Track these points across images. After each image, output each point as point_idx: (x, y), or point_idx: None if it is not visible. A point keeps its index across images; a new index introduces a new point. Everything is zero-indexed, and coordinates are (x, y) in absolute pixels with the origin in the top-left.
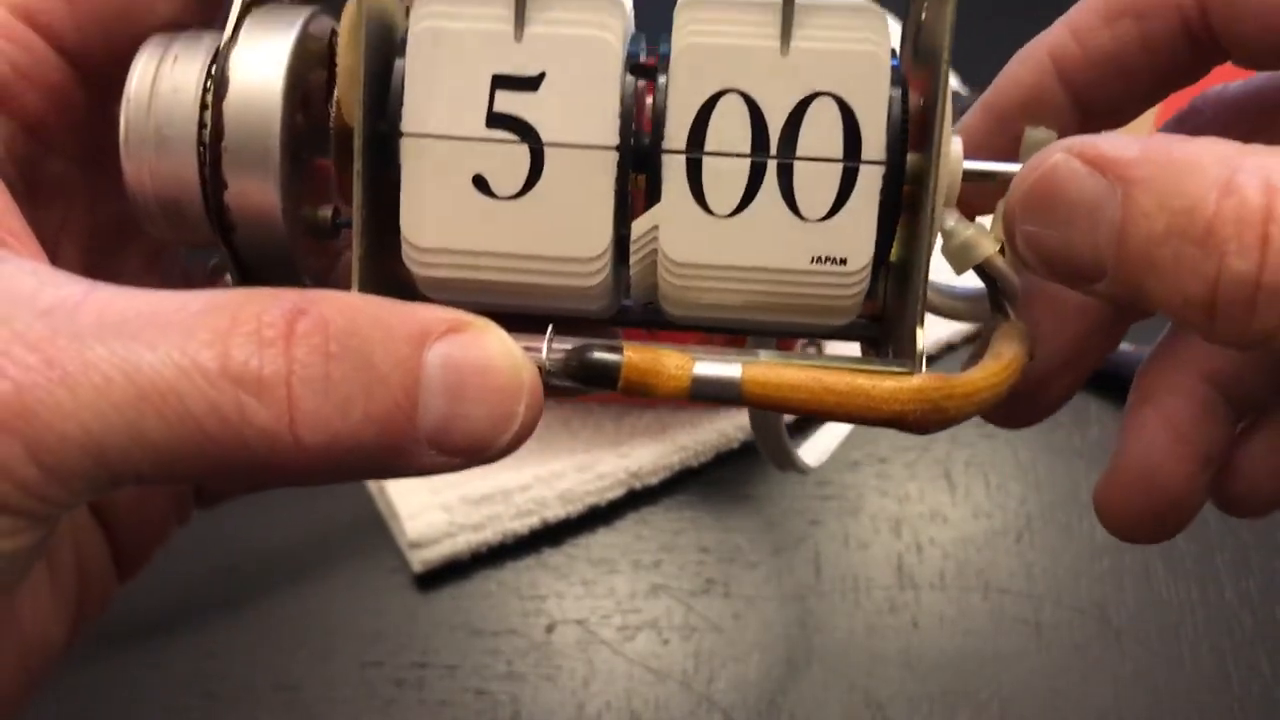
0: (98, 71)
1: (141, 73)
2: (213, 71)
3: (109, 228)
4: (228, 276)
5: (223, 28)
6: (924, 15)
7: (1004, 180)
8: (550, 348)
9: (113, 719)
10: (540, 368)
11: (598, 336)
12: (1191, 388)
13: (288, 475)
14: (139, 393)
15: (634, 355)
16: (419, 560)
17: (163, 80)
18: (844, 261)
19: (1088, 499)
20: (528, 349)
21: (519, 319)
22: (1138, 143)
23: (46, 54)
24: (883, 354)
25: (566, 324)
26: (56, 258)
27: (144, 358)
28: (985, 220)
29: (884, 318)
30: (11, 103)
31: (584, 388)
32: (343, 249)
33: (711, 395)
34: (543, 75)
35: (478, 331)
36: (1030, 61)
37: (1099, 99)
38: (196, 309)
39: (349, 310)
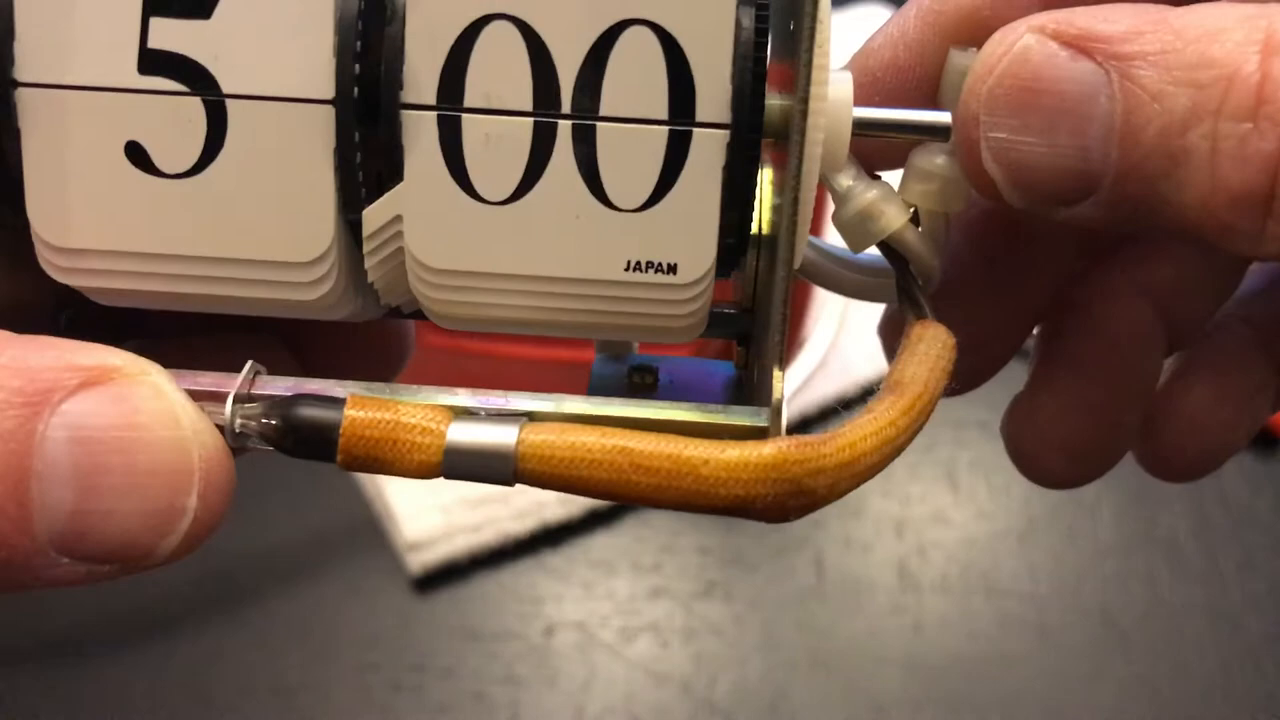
0: None
1: None
2: None
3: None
4: None
5: None
6: None
7: (917, 129)
8: (241, 399)
9: None
10: (224, 430)
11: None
12: (1128, 302)
13: None
14: None
15: (359, 415)
16: (416, 562)
17: None
18: (673, 269)
19: (1092, 501)
20: (208, 397)
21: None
22: (1125, 11)
23: None
24: (755, 354)
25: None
26: None
27: None
28: (892, 177)
29: (757, 308)
30: None
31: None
32: None
33: (472, 472)
34: None
35: (127, 382)
36: None
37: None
38: None
39: None
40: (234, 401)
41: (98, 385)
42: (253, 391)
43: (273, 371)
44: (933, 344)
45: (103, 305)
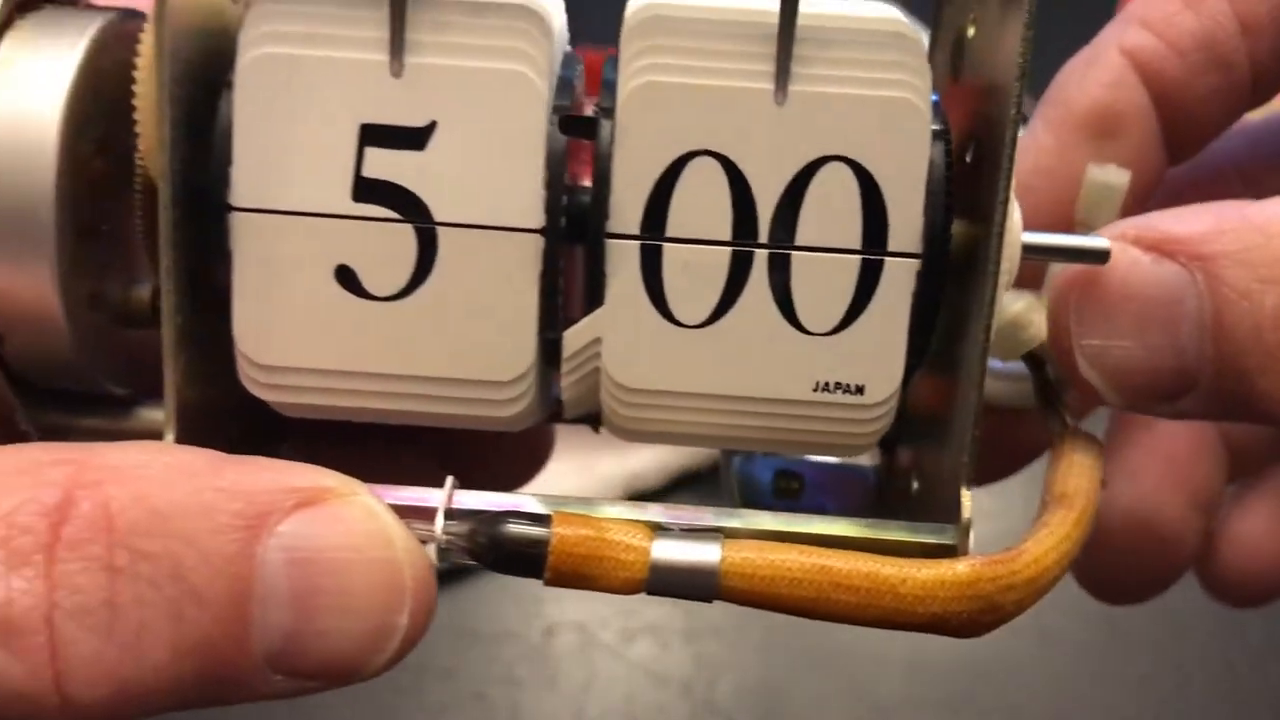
0: None
1: None
2: None
3: None
4: None
5: None
6: (971, 31)
7: (1078, 255)
8: (448, 517)
9: None
10: (430, 544)
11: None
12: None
13: None
14: None
15: (567, 533)
16: None
17: None
18: (860, 390)
19: None
20: (412, 513)
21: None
22: (1204, 211)
23: None
24: (919, 465)
25: None
26: None
27: None
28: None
29: (910, 414)
30: None
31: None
32: None
33: (675, 589)
34: (433, 126)
35: (340, 503)
36: (1100, 63)
37: (1191, 100)
38: None
39: (147, 489)
40: (442, 514)
41: (312, 506)
42: (450, 506)
43: (417, 470)
44: (1087, 454)
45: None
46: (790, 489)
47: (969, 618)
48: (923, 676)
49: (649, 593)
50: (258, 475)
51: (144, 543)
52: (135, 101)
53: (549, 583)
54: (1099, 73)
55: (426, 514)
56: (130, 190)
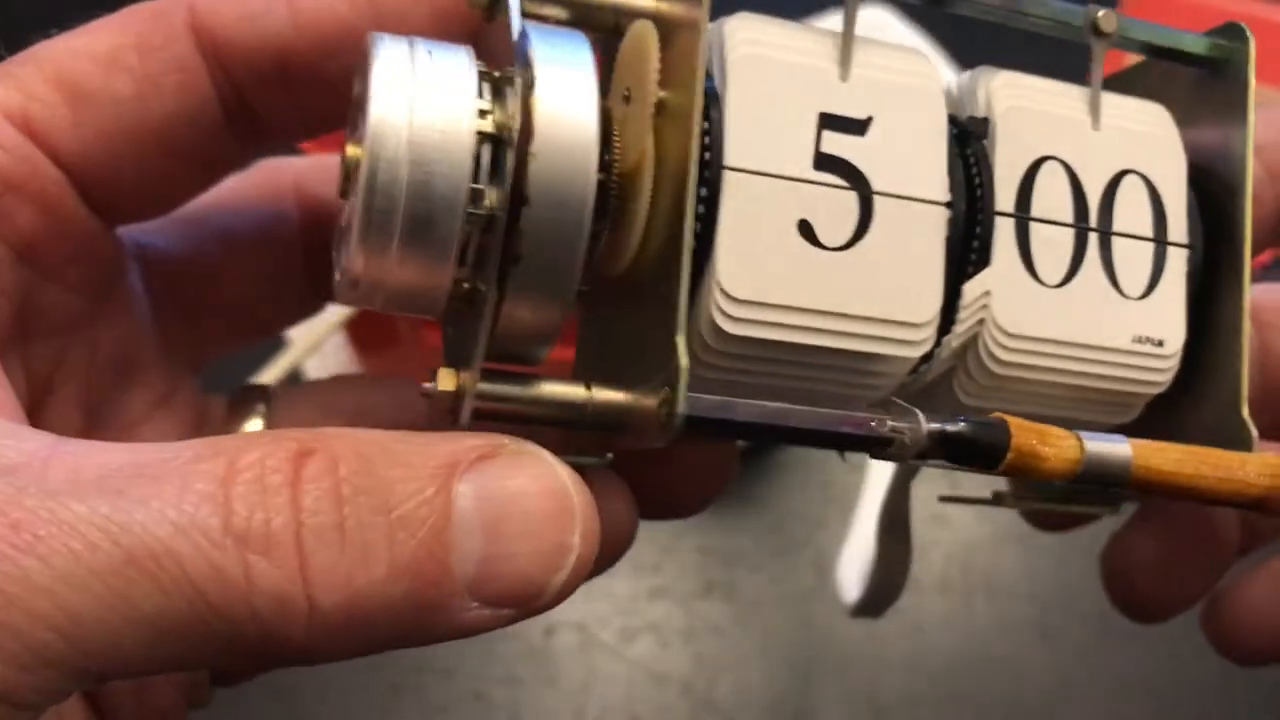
0: (104, 188)
1: (386, 92)
2: (503, 116)
3: (112, 364)
4: (255, 421)
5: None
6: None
7: None
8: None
9: None
10: (912, 442)
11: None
12: None
13: (301, 650)
14: (126, 556)
15: (1023, 434)
16: None
17: (422, 114)
18: (1161, 343)
19: None
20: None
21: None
22: None
23: (44, 166)
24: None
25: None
26: (50, 400)
27: (133, 516)
28: None
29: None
30: (1, 222)
31: (953, 465)
32: None
33: (1097, 476)
34: (870, 119)
35: (514, 454)
36: None
37: None
38: (189, 457)
39: (362, 447)
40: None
41: (493, 456)
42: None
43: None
44: None
45: None
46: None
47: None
48: (923, 676)
49: (1077, 480)
50: (447, 438)
51: (362, 482)
52: (654, 98)
53: (1002, 471)
54: None
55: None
56: None
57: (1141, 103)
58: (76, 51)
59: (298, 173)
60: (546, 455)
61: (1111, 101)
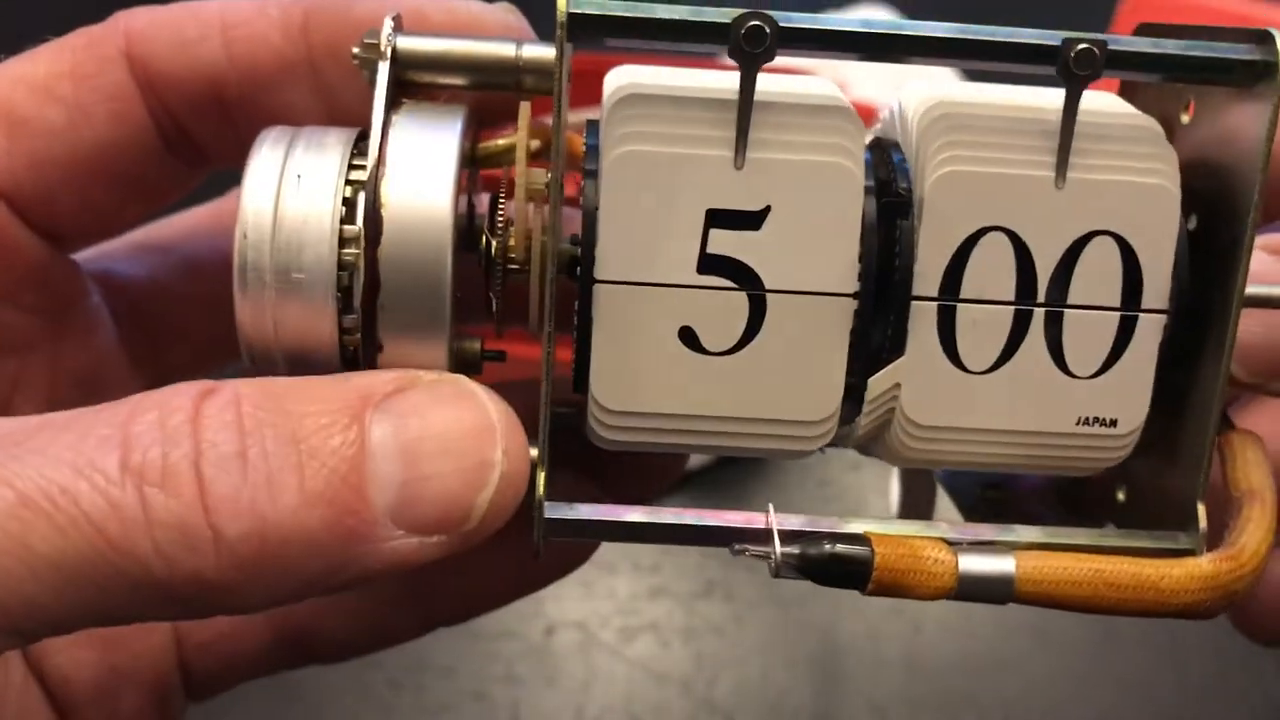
0: (42, 214)
1: (258, 186)
2: (355, 198)
3: (77, 382)
4: None
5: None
6: (1186, 118)
7: None
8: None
9: None
10: (772, 563)
11: None
12: None
13: (219, 588)
14: (19, 498)
15: (887, 552)
16: None
17: (288, 201)
18: (1114, 423)
19: None
20: (743, 534)
21: None
22: None
23: None
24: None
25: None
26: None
27: (28, 462)
28: None
29: None
30: None
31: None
32: None
33: (976, 594)
34: (767, 210)
35: (431, 383)
36: None
37: None
38: (95, 408)
39: (271, 386)
40: (776, 538)
41: (408, 389)
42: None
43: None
44: (1256, 451)
45: None
46: (997, 498)
47: (1211, 605)
48: (922, 676)
49: (955, 599)
50: (362, 375)
51: (267, 415)
52: (513, 186)
53: (869, 593)
54: None
55: (754, 535)
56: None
57: (1132, 125)
58: (14, 79)
59: None
60: (464, 380)
61: (1094, 147)
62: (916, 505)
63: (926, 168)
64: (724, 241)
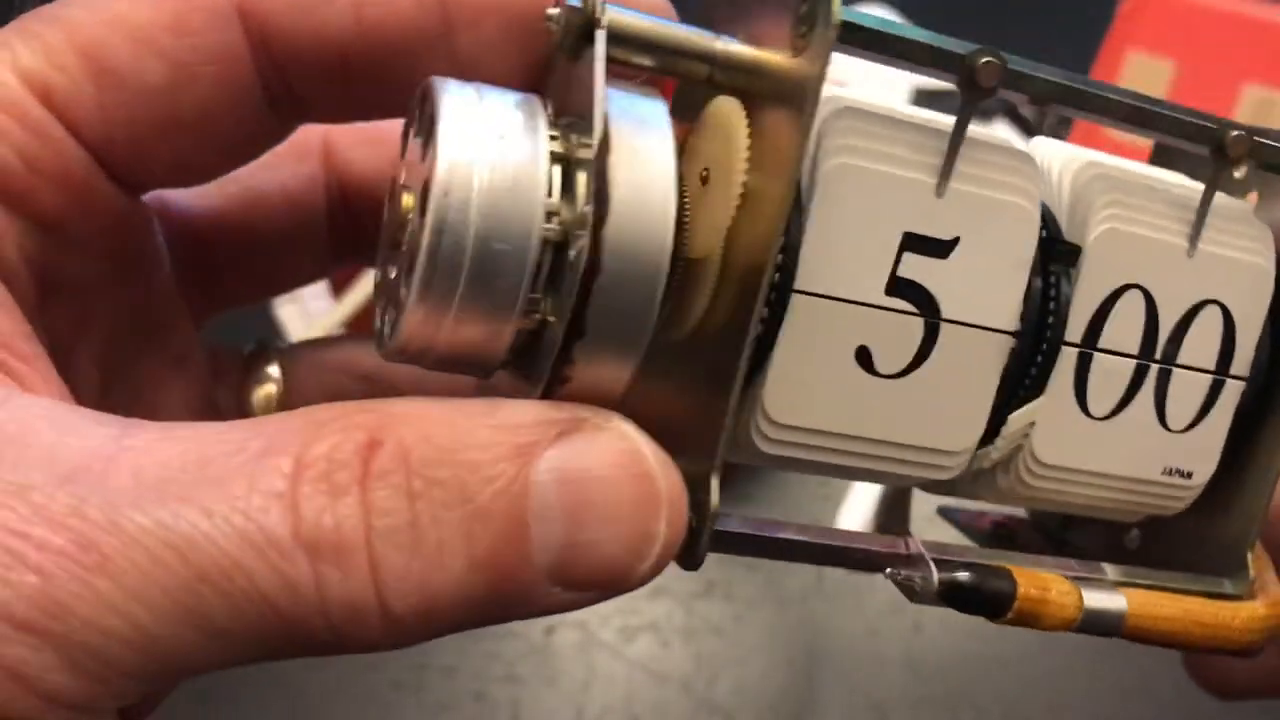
0: (131, 169)
1: (460, 140)
2: (570, 172)
3: (130, 329)
4: (269, 385)
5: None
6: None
7: None
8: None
9: None
10: (918, 588)
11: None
12: None
13: (376, 645)
14: (197, 573)
15: (1028, 588)
16: None
17: (494, 162)
18: (1189, 475)
19: None
20: (898, 559)
21: None
22: None
23: (68, 145)
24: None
25: None
26: (70, 364)
27: (199, 527)
28: None
29: None
30: (22, 199)
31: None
32: None
33: (1093, 629)
34: (956, 241)
35: (595, 430)
36: None
37: None
38: (255, 451)
39: (433, 430)
40: (933, 562)
41: (573, 434)
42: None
43: None
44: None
45: None
46: (1009, 535)
47: (1262, 643)
48: (921, 676)
49: (1078, 631)
50: (523, 411)
51: (435, 471)
52: (740, 188)
53: (1005, 623)
54: None
55: (902, 560)
56: None
57: (1251, 223)
58: (108, 22)
59: (327, 133)
60: (631, 430)
61: (1217, 222)
62: (893, 522)
63: (1090, 221)
64: (914, 266)
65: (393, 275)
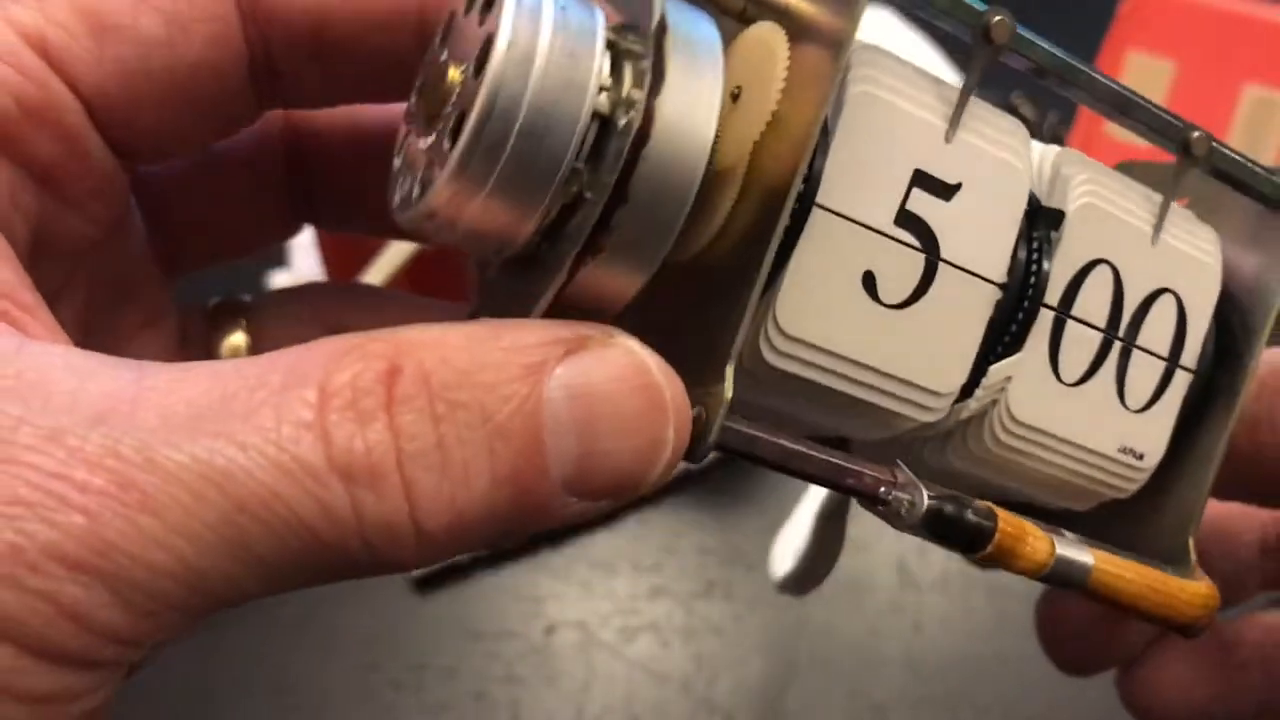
0: (122, 129)
1: (518, 32)
2: (628, 67)
3: (112, 284)
4: (237, 335)
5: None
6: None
7: None
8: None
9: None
10: (904, 513)
11: None
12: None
13: (409, 564)
14: (236, 505)
15: (1007, 527)
16: None
17: (557, 29)
18: (1141, 457)
19: None
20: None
21: None
22: None
23: (64, 96)
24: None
25: None
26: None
27: (234, 460)
28: None
29: None
30: (17, 146)
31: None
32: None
33: (1060, 579)
34: (959, 186)
35: (601, 346)
36: None
37: None
38: (276, 384)
39: (449, 354)
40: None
41: (580, 351)
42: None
43: None
44: None
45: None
46: None
47: (1204, 620)
48: (921, 676)
49: (1045, 580)
50: (530, 332)
51: (455, 394)
52: (772, 110)
53: (981, 558)
54: None
55: (888, 485)
56: None
57: (1202, 226)
58: None
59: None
60: (634, 344)
61: (1175, 219)
62: (820, 558)
63: (1069, 194)
64: (920, 203)
65: (424, 145)
